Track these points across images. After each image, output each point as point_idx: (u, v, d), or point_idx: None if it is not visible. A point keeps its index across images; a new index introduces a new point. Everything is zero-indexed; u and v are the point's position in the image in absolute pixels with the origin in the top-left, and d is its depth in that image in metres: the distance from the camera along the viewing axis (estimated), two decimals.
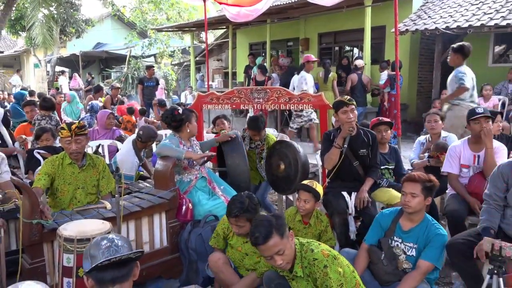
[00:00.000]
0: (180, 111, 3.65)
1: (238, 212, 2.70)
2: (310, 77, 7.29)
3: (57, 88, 15.76)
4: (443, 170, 3.70)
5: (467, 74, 4.88)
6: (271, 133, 4.76)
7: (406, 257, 2.71)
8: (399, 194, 3.33)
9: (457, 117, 4.72)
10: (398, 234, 2.77)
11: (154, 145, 5.81)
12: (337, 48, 11.54)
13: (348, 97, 3.50)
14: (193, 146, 3.72)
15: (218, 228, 2.98)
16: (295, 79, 7.42)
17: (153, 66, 10.42)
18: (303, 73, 7.30)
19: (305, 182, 3.33)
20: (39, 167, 3.51)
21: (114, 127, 5.51)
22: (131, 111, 7.68)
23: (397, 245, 2.75)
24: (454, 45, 5.03)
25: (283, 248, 2.22)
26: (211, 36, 18.69)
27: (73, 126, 3.22)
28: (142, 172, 4.67)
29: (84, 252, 1.76)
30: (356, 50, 11.49)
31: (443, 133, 4.34)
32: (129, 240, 1.88)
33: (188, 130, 3.65)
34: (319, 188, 3.17)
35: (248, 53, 13.26)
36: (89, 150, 4.76)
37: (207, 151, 3.84)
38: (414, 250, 2.70)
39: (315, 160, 4.88)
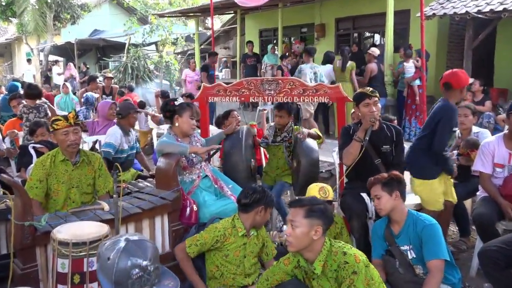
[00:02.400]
0: (178, 102, 3.65)
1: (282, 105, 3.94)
2: (308, 69, 7.34)
3: (47, 77, 15.79)
4: (474, 169, 3.66)
5: None
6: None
7: (412, 261, 2.72)
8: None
9: None
10: (394, 239, 2.83)
11: (154, 140, 5.84)
12: (356, 34, 11.46)
13: (371, 88, 3.48)
14: (193, 143, 3.71)
15: (208, 235, 2.93)
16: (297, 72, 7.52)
17: (217, 54, 10.42)
18: (301, 65, 7.36)
19: (315, 184, 3.34)
20: (31, 165, 3.55)
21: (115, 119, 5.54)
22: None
23: None
24: None
25: (300, 226, 2.31)
26: (218, 22, 18.70)
27: (70, 115, 3.24)
28: (141, 172, 4.69)
29: (103, 268, 1.74)
30: (377, 37, 11.40)
31: (475, 129, 4.29)
32: (157, 251, 1.89)
33: (177, 124, 3.63)
34: (330, 193, 3.25)
35: (258, 40, 13.24)
36: (85, 147, 4.79)
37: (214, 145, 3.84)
38: (412, 252, 2.74)
39: (331, 157, 4.85)
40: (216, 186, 3.68)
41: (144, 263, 1.72)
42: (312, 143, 4.04)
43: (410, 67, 8.08)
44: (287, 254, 2.60)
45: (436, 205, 3.48)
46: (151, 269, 1.68)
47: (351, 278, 2.21)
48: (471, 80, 6.64)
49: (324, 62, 8.34)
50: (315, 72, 7.70)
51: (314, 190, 3.30)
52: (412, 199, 3.83)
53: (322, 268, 2.33)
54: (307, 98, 3.90)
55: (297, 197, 3.83)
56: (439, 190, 3.50)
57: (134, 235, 1.95)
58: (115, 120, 5.45)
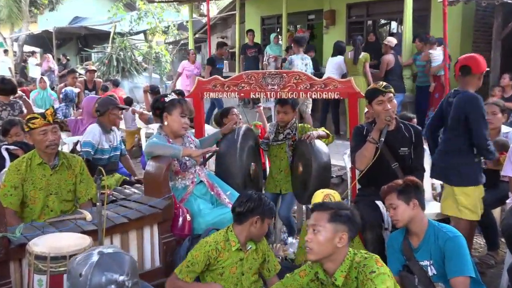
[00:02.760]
0: (169, 98, 3.66)
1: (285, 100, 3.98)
2: (299, 61, 7.45)
3: (22, 70, 15.70)
4: (503, 174, 3.66)
5: None
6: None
7: (433, 278, 2.72)
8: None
9: None
10: (412, 253, 2.84)
11: (143, 141, 5.86)
12: (370, 22, 11.47)
13: (384, 83, 3.48)
14: (186, 145, 3.72)
15: (198, 252, 2.90)
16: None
17: (226, 44, 10.48)
18: (291, 56, 7.45)
19: (320, 191, 3.35)
20: (4, 170, 3.56)
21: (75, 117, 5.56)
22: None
23: None
24: None
25: (322, 231, 2.35)
26: (214, 8, 18.73)
27: (48, 112, 3.25)
28: (127, 177, 4.71)
29: (75, 286, 1.74)
30: (394, 25, 11.40)
31: (504, 128, 4.29)
32: (135, 264, 1.89)
33: (166, 123, 3.64)
34: (337, 198, 3.28)
35: (260, 28, 13.24)
36: (65, 149, 4.81)
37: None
38: (433, 267, 2.74)
39: (342, 161, 4.86)
40: (212, 193, 3.68)
41: (121, 278, 1.72)
42: (321, 145, 4.05)
43: (438, 55, 7.85)
44: (302, 266, 2.62)
45: (477, 213, 3.51)
46: (128, 285, 1.68)
47: (369, 277, 2.24)
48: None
49: (334, 54, 8.36)
50: (306, 64, 7.79)
51: (319, 197, 3.30)
52: (432, 208, 3.83)
53: (344, 279, 2.34)
54: (315, 94, 3.90)
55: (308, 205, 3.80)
56: (481, 196, 3.54)
57: (108, 248, 1.96)
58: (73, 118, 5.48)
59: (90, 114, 5.30)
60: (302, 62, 7.77)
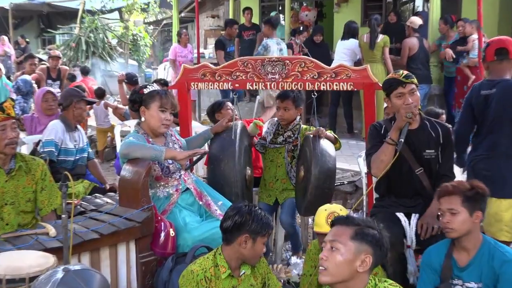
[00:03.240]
0: (149, 89, 3.64)
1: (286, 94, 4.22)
2: (275, 45, 7.65)
3: None
4: None
5: None
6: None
7: None
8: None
9: None
10: (455, 273, 2.81)
11: (117, 141, 5.84)
12: None
13: (405, 72, 3.48)
14: (170, 145, 3.71)
15: (187, 284, 2.87)
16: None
17: (236, 22, 10.35)
18: (266, 41, 7.60)
19: (323, 208, 3.32)
20: None
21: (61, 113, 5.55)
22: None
23: None
24: None
25: (342, 249, 2.30)
26: None
27: (7, 104, 3.24)
28: (97, 184, 4.71)
29: None
30: (419, 2, 11.42)
31: None
32: (106, 283, 1.90)
33: (143, 119, 3.64)
34: (344, 211, 3.24)
35: (258, 6, 13.21)
36: (24, 150, 4.79)
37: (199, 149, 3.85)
38: None
39: (356, 165, 4.87)
40: (200, 203, 3.69)
41: None
42: (328, 146, 4.03)
43: (476, 39, 7.62)
44: None
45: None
46: None
47: None
48: None
49: (345, 36, 8.34)
50: (281, 49, 7.92)
51: (322, 215, 3.25)
52: None
53: None
54: (324, 85, 3.90)
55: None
56: None
57: (75, 265, 2.01)
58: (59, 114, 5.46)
59: (40, 111, 5.31)
60: (277, 47, 7.89)
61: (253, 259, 2.96)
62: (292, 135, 4.37)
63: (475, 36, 7.56)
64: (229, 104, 4.91)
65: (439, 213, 2.92)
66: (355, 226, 2.35)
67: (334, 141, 4.18)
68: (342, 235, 2.32)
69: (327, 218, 3.20)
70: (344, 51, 8.22)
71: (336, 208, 3.30)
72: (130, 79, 8.00)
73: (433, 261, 2.91)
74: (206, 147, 4.33)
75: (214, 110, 4.87)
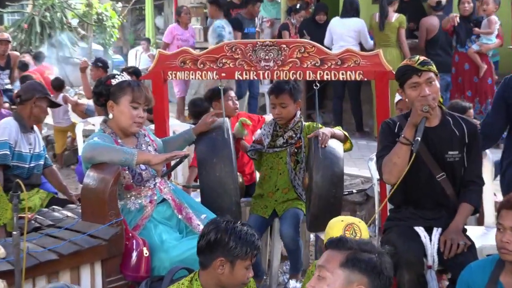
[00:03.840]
0: (118, 80, 3.65)
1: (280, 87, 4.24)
2: (228, 29, 7.91)
3: None
4: None
5: None
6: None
7: None
8: None
9: None
10: None
11: (79, 142, 5.84)
12: None
13: (421, 58, 3.49)
14: (143, 148, 3.72)
15: None
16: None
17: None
18: (215, 23, 7.82)
19: (339, 219, 3.32)
20: None
21: (4, 110, 5.55)
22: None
23: None
24: None
25: (329, 279, 2.26)
26: None
27: None
28: (55, 195, 4.70)
29: None
30: None
31: None
32: None
33: (111, 116, 3.65)
34: (364, 232, 3.17)
35: None
36: None
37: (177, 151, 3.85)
38: None
39: (367, 169, 4.88)
40: (180, 216, 3.70)
41: None
42: (334, 145, 4.05)
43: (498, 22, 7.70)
44: None
45: None
46: None
47: None
48: None
49: (346, 14, 8.29)
50: (230, 32, 8.11)
51: (336, 228, 3.25)
52: (487, 239, 3.82)
53: None
54: (327, 74, 3.92)
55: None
56: None
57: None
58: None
59: None
60: (228, 30, 8.14)
61: (234, 286, 2.94)
62: (294, 135, 4.38)
63: (494, 17, 7.54)
64: (232, 92, 4.94)
65: (499, 228, 2.84)
66: (347, 250, 2.31)
67: (344, 140, 4.20)
68: (331, 262, 2.29)
69: (344, 231, 3.15)
70: (349, 33, 8.13)
71: (355, 220, 3.26)
72: (98, 64, 7.78)
73: (475, 281, 2.88)
74: (187, 149, 4.33)
75: (213, 97, 4.91)
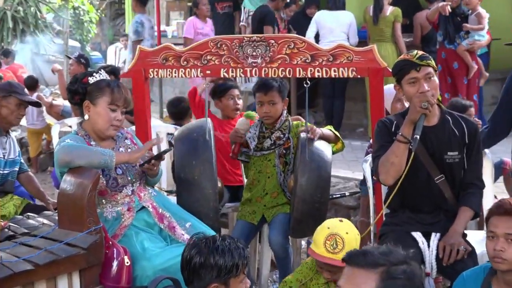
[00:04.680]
0: (96, 78, 3.63)
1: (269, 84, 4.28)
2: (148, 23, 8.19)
3: None
4: None
5: None
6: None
7: None
8: None
9: None
10: None
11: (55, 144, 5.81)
12: None
13: (420, 52, 3.50)
14: (119, 150, 3.70)
15: None
16: None
17: None
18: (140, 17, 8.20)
19: (325, 225, 3.32)
20: None
21: None
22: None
23: None
24: None
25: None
26: None
27: None
28: (31, 201, 4.68)
29: None
30: None
31: None
32: None
33: (87, 117, 3.62)
34: (346, 245, 3.14)
35: None
36: None
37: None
38: None
39: (361, 171, 4.89)
40: (161, 225, 3.68)
41: None
42: (321, 147, 4.06)
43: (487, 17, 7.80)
44: None
45: None
46: None
47: None
48: None
49: (333, 5, 8.31)
50: (152, 27, 8.47)
51: (321, 234, 3.25)
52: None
53: None
54: (318, 70, 3.92)
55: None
56: None
57: None
58: None
59: None
60: (149, 25, 8.46)
61: None
62: (281, 135, 4.38)
63: (483, 10, 7.52)
64: (235, 91, 4.95)
65: (489, 236, 2.84)
66: (380, 266, 2.04)
67: (334, 140, 4.21)
68: (362, 285, 2.04)
69: (325, 240, 3.19)
70: (341, 27, 8.18)
71: (341, 230, 3.22)
72: (80, 60, 7.72)
73: None
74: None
75: (215, 95, 4.96)
